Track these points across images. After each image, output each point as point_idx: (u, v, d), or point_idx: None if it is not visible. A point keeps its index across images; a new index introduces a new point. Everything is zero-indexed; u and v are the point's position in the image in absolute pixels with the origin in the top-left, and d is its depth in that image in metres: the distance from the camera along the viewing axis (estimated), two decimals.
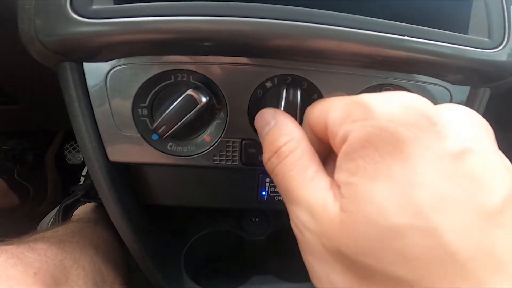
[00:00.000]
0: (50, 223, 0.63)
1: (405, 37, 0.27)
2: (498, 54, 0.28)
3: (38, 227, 0.64)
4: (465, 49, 0.27)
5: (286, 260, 0.50)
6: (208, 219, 0.51)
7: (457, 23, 0.29)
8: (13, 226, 0.40)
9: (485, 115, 0.32)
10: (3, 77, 0.37)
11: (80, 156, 0.74)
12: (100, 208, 0.56)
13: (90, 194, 0.59)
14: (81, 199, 0.58)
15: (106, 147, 0.30)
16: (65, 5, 0.24)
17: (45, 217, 0.63)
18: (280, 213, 0.56)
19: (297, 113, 0.28)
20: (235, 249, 0.50)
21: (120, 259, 0.45)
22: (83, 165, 0.75)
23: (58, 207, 0.60)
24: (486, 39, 0.29)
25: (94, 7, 0.24)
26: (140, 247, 0.35)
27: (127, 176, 0.34)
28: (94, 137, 0.29)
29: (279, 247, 0.51)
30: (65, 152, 0.76)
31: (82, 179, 0.66)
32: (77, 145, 0.74)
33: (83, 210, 0.56)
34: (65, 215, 0.56)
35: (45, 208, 0.70)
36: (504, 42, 0.29)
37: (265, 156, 0.22)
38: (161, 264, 0.40)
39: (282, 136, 0.21)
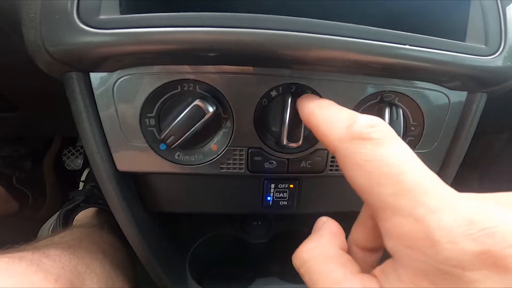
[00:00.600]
0: (50, 228, 0.63)
1: (406, 46, 0.28)
2: (495, 61, 0.29)
3: (39, 233, 0.64)
4: (463, 56, 0.28)
5: (289, 262, 0.51)
6: (212, 223, 0.51)
7: (455, 29, 0.30)
8: (13, 232, 0.40)
9: (482, 117, 0.34)
10: (4, 84, 0.37)
11: (79, 161, 0.73)
12: (102, 213, 0.56)
13: (90, 199, 0.59)
14: (81, 204, 0.57)
15: (114, 157, 0.30)
16: (72, 14, 0.24)
17: (45, 222, 0.62)
18: (282, 216, 0.57)
19: (302, 124, 0.29)
20: (239, 252, 0.51)
21: (127, 262, 0.46)
22: (81, 170, 0.75)
23: (58, 213, 0.59)
24: (483, 46, 0.29)
25: (101, 17, 0.24)
26: (149, 253, 0.35)
27: (134, 184, 0.34)
28: (103, 147, 0.29)
29: (281, 249, 0.52)
30: (63, 157, 0.75)
31: (81, 184, 0.66)
32: (75, 151, 0.74)
33: (85, 215, 0.56)
34: (66, 220, 0.56)
35: (44, 213, 0.69)
36: (501, 48, 0.30)
37: None
38: (168, 268, 0.40)
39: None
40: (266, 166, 0.31)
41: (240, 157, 0.31)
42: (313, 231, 0.21)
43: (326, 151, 0.32)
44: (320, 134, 0.19)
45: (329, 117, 0.19)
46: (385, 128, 0.16)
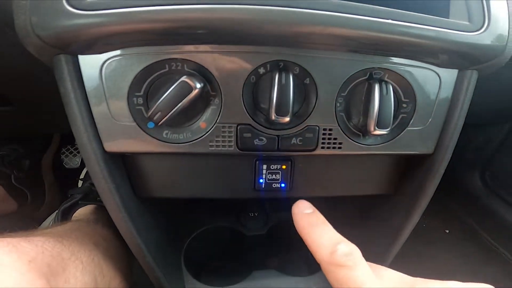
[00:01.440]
0: (50, 226, 0.61)
1: (389, 21, 0.27)
2: (479, 37, 0.29)
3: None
4: (447, 32, 0.28)
5: (287, 254, 0.49)
6: (207, 215, 0.50)
7: (437, 8, 0.30)
8: (12, 231, 0.39)
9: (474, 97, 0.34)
10: None
11: (77, 160, 0.73)
12: (100, 209, 0.55)
13: (89, 196, 0.58)
14: (79, 202, 0.56)
15: (102, 137, 0.29)
16: None
17: (44, 221, 0.61)
18: (279, 207, 0.56)
19: (290, 96, 0.28)
20: (235, 244, 0.49)
21: (121, 257, 0.44)
22: (80, 168, 0.74)
23: (57, 211, 0.58)
24: (467, 23, 0.29)
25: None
26: (139, 242, 0.34)
27: (123, 168, 0.33)
28: (90, 127, 0.29)
29: (279, 241, 0.50)
30: (62, 156, 0.75)
31: (80, 182, 0.65)
32: (74, 149, 0.74)
33: (83, 212, 0.55)
34: (64, 218, 0.55)
35: (43, 212, 0.69)
36: (485, 25, 0.29)
37: None
38: (161, 260, 0.38)
39: None
40: (256, 143, 0.30)
41: (229, 134, 0.30)
42: None
43: (317, 128, 0.31)
44: (311, 250, 0.27)
45: (317, 240, 0.26)
46: (356, 256, 0.24)
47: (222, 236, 0.49)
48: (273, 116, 0.28)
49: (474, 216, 0.77)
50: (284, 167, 0.34)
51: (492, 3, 0.30)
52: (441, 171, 0.35)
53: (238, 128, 0.30)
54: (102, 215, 0.52)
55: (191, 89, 0.28)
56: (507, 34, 0.30)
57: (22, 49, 0.28)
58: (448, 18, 0.30)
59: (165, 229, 0.43)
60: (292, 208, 0.30)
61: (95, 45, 0.27)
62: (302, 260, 0.49)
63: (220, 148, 0.31)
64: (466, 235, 0.76)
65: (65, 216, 0.55)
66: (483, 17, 0.30)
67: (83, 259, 0.35)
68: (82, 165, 0.72)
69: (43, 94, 0.41)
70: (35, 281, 0.27)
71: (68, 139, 0.75)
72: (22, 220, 0.63)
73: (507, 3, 0.31)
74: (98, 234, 0.43)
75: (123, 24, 0.25)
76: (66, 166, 0.75)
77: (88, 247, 0.38)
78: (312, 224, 0.28)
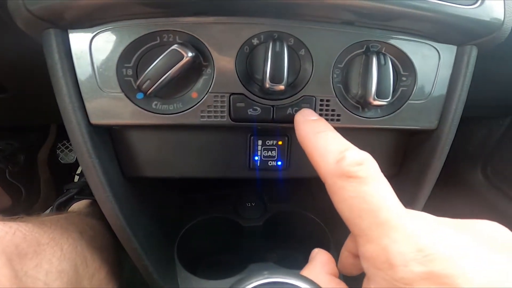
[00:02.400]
0: None
1: None
2: (476, 11, 0.28)
3: None
4: (443, 4, 0.27)
5: (285, 246, 0.46)
6: (202, 205, 0.47)
7: None
8: None
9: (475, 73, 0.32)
10: None
11: (73, 155, 0.71)
12: (95, 204, 0.52)
13: (85, 191, 0.55)
14: (75, 197, 0.54)
15: (87, 107, 0.27)
16: None
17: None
18: (277, 197, 0.53)
19: (285, 62, 0.26)
20: (232, 236, 0.46)
21: (109, 248, 0.41)
22: (76, 164, 0.72)
23: (51, 206, 0.56)
24: None
25: None
26: (125, 225, 0.31)
27: (109, 143, 0.31)
28: (75, 97, 0.27)
29: (277, 232, 0.47)
30: (58, 151, 0.73)
31: (76, 178, 0.63)
32: (70, 144, 0.72)
33: (77, 206, 0.53)
34: (59, 212, 0.53)
35: (38, 208, 0.66)
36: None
37: None
38: (151, 249, 0.36)
39: None
40: (249, 113, 0.28)
41: (222, 104, 0.28)
42: (308, 261, 0.23)
43: (314, 98, 0.29)
44: (313, 162, 0.21)
45: (322, 147, 0.21)
46: (370, 166, 0.18)
47: (218, 227, 0.46)
48: (267, 84, 0.26)
49: (476, 211, 0.73)
50: (280, 143, 0.32)
51: None
52: (446, 148, 0.32)
53: (231, 97, 0.28)
54: (96, 209, 0.50)
55: (181, 56, 0.26)
56: (503, 9, 0.29)
57: (14, 29, 0.27)
58: None
59: (156, 217, 0.40)
60: (295, 116, 0.25)
61: (85, 18, 0.26)
62: (301, 252, 0.46)
63: (212, 119, 0.28)
64: None
65: (60, 210, 0.53)
66: None
67: (64, 247, 0.32)
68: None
69: (37, 80, 0.39)
70: None
71: (64, 134, 0.73)
72: (16, 215, 0.60)
73: None
74: (85, 223, 0.40)
75: None
76: (62, 161, 0.73)
77: (73, 235, 0.35)
78: (316, 131, 0.22)
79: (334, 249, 0.46)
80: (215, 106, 0.28)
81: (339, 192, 0.18)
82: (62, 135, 0.74)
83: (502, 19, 0.28)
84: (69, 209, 0.52)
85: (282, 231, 0.47)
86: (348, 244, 0.22)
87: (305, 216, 0.47)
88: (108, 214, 0.31)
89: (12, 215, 0.61)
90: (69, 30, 0.27)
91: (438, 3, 0.27)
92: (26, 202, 0.65)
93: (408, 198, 0.36)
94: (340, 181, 0.18)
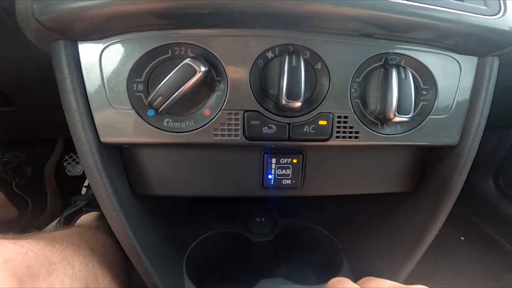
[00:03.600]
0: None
1: (405, 2, 0.24)
2: (498, 21, 0.26)
3: None
4: (465, 15, 0.26)
5: (295, 261, 0.44)
6: (211, 220, 0.45)
7: None
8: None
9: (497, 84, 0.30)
10: None
11: (80, 167, 0.69)
12: (103, 217, 0.51)
13: (93, 204, 0.54)
14: (83, 209, 0.52)
15: (97, 125, 0.26)
16: None
17: (45, 228, 0.57)
18: (287, 211, 0.51)
19: (302, 78, 0.25)
20: (241, 251, 0.44)
21: (120, 265, 0.39)
22: (83, 176, 0.71)
23: (58, 218, 0.54)
24: (484, 7, 0.27)
25: None
26: (135, 244, 0.29)
27: (120, 161, 0.29)
28: (86, 115, 0.25)
29: (288, 247, 0.45)
30: (65, 163, 0.72)
31: (84, 190, 0.61)
32: (77, 157, 0.70)
33: (86, 218, 0.51)
34: (66, 224, 0.51)
35: (44, 220, 0.65)
36: (502, 9, 0.27)
37: None
38: (160, 266, 0.34)
39: None
40: (264, 131, 0.27)
41: (236, 122, 0.26)
42: None
43: (332, 115, 0.27)
44: None
45: None
46: None
47: (227, 242, 0.44)
48: (284, 101, 0.25)
49: (489, 222, 0.71)
50: (295, 161, 0.30)
51: None
52: (468, 164, 0.30)
53: (245, 115, 0.26)
54: (105, 222, 0.48)
55: (194, 71, 0.24)
56: None
57: (23, 41, 0.26)
58: (463, 1, 0.27)
59: (165, 233, 0.38)
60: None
61: (95, 29, 0.24)
62: (311, 268, 0.44)
63: (225, 138, 0.27)
64: (482, 241, 0.69)
65: (68, 222, 0.51)
66: (498, 1, 0.27)
67: (75, 265, 0.31)
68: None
69: (45, 94, 0.38)
70: (4, 280, 0.23)
71: (71, 147, 0.73)
72: (22, 227, 0.59)
73: None
74: (96, 239, 0.39)
75: (125, 4, 0.22)
76: (68, 173, 0.72)
77: (84, 252, 0.34)
78: None
79: (347, 264, 0.44)
80: (228, 124, 0.26)
81: None
82: (69, 147, 0.73)
83: None
84: (78, 221, 0.51)
85: (292, 246, 0.45)
86: None
87: (316, 231, 0.45)
88: (118, 233, 0.29)
89: (18, 226, 0.59)
90: (79, 42, 0.25)
91: (460, 13, 0.26)
92: (32, 213, 0.64)
93: (427, 216, 0.34)
94: None
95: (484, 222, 0.72)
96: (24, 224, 0.61)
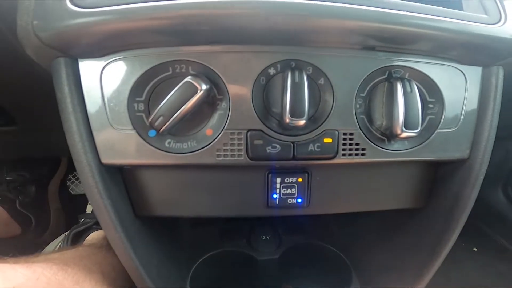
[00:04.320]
0: (56, 249, 0.56)
1: (407, 13, 0.24)
2: (499, 30, 0.26)
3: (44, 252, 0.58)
4: (467, 24, 0.25)
5: (303, 279, 0.42)
6: (215, 238, 0.44)
7: (450, 2, 0.27)
8: (15, 255, 0.35)
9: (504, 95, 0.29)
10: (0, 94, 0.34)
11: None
12: None
13: None
14: (94, 226, 0.52)
15: (98, 147, 0.25)
16: None
17: (49, 244, 0.56)
18: (293, 229, 0.50)
19: (305, 95, 0.24)
20: (246, 270, 0.42)
21: None
22: None
23: (64, 234, 0.54)
24: (485, 15, 0.26)
25: None
26: (138, 266, 0.28)
27: (121, 182, 0.29)
28: (86, 135, 0.25)
29: (294, 265, 0.43)
30: (68, 182, 0.72)
31: (89, 207, 0.61)
32: None
33: (96, 236, 0.50)
34: (74, 242, 0.51)
35: (47, 237, 0.64)
36: (502, 18, 0.27)
37: None
38: (163, 286, 0.32)
39: None
40: (268, 151, 0.26)
41: (239, 141, 0.26)
42: None
43: (337, 132, 0.26)
44: None
45: None
46: None
47: (232, 261, 0.43)
48: (287, 119, 0.24)
49: (501, 232, 0.69)
50: (300, 180, 0.29)
51: None
52: (481, 177, 0.29)
53: (248, 134, 0.26)
54: None
55: (195, 90, 0.24)
56: None
57: (25, 58, 0.26)
58: (463, 10, 0.27)
59: (168, 252, 0.37)
60: None
61: (96, 46, 0.24)
62: (319, 286, 0.42)
63: (228, 158, 0.26)
64: (495, 252, 0.67)
65: (76, 240, 0.51)
66: (498, 10, 0.27)
67: None
68: None
69: (46, 112, 0.38)
70: None
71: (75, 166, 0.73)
72: (25, 244, 0.58)
73: None
74: (108, 263, 0.38)
75: (126, 21, 0.22)
76: (72, 192, 0.72)
77: (95, 277, 0.33)
78: None
79: (357, 282, 0.42)
80: (231, 144, 0.26)
81: None
82: (73, 167, 0.72)
83: None
84: (88, 238, 0.50)
85: (299, 264, 0.44)
86: None
87: (324, 248, 0.43)
88: (119, 254, 0.28)
89: (21, 243, 0.58)
90: (79, 60, 0.25)
91: (461, 22, 0.25)
92: (35, 231, 0.64)
93: (439, 232, 0.32)
94: None
95: (496, 233, 0.70)
96: (27, 241, 0.60)
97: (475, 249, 0.69)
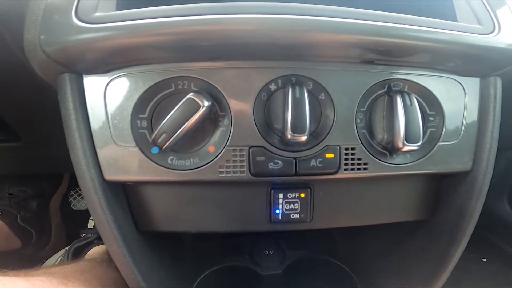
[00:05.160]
0: (56, 263, 0.56)
1: (404, 26, 0.25)
2: (494, 39, 0.26)
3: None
4: (462, 35, 0.25)
5: None
6: (218, 253, 0.43)
7: (445, 12, 0.28)
8: (15, 269, 0.35)
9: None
10: (4, 109, 0.35)
11: (85, 202, 0.69)
12: None
13: None
14: (95, 241, 0.51)
15: (101, 163, 0.26)
16: (70, 13, 0.23)
17: (50, 258, 0.56)
18: (296, 243, 0.49)
19: (306, 111, 0.25)
20: (250, 285, 0.42)
21: None
22: (88, 210, 0.70)
23: (65, 249, 0.53)
24: (479, 26, 0.27)
25: (97, 14, 0.23)
26: (140, 280, 0.28)
27: (124, 198, 0.29)
28: (90, 152, 0.25)
29: (298, 280, 0.42)
30: (70, 198, 0.72)
31: (91, 222, 0.61)
32: None
33: (97, 250, 0.50)
34: (75, 256, 0.50)
35: (48, 252, 0.63)
36: (496, 28, 0.27)
37: None
38: None
39: None
40: (270, 167, 0.26)
41: (241, 158, 0.26)
42: None
43: (339, 147, 0.27)
44: None
45: None
46: None
47: (235, 276, 0.42)
48: (289, 135, 0.24)
49: (509, 242, 0.67)
50: (302, 195, 0.29)
51: (492, 3, 0.28)
52: (485, 189, 0.29)
53: (250, 151, 0.26)
54: None
55: (198, 107, 0.24)
56: None
57: (31, 74, 0.26)
58: (457, 21, 0.27)
59: (170, 267, 0.37)
60: None
61: (101, 62, 0.25)
62: None
63: (231, 175, 0.26)
64: (505, 261, 0.65)
65: (77, 254, 0.50)
66: (491, 19, 0.27)
67: None
68: None
69: (50, 129, 0.39)
70: None
71: (77, 182, 0.73)
72: (25, 258, 0.58)
73: (508, 4, 0.29)
74: (108, 277, 0.38)
75: (130, 37, 0.23)
76: (74, 208, 0.72)
77: None
78: None
79: None
80: (233, 160, 0.26)
81: None
82: (75, 183, 0.73)
83: None
84: (89, 253, 0.50)
85: (303, 279, 0.43)
86: None
87: (328, 262, 0.43)
88: (121, 269, 0.28)
89: (22, 257, 0.58)
90: (84, 75, 0.25)
91: (456, 33, 0.25)
92: (36, 245, 0.64)
93: (446, 243, 0.32)
94: None
95: (504, 242, 0.69)
96: (27, 255, 0.60)
97: (484, 260, 0.67)
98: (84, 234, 0.54)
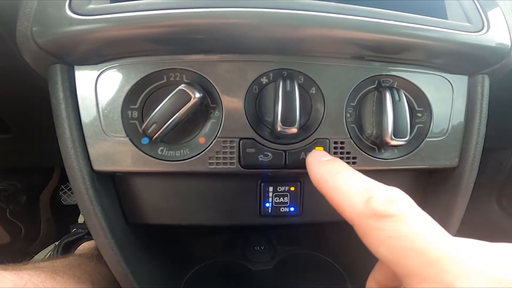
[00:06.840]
0: (46, 258, 0.55)
1: (395, 22, 0.25)
2: (483, 37, 0.27)
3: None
4: (451, 32, 0.26)
5: None
6: (208, 249, 0.43)
7: (435, 10, 0.28)
8: (3, 263, 0.34)
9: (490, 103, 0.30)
10: None
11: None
12: None
13: None
14: (85, 237, 0.51)
15: (90, 153, 0.26)
16: (64, 5, 0.23)
17: (39, 252, 0.55)
18: (287, 239, 0.49)
19: (297, 103, 0.25)
20: (240, 280, 0.42)
21: None
22: None
23: (54, 244, 0.53)
24: (468, 24, 0.27)
25: (90, 6, 0.23)
26: (128, 273, 0.28)
27: (113, 189, 0.29)
28: (78, 142, 0.25)
29: (288, 276, 0.43)
30: (60, 193, 0.71)
31: (81, 217, 0.60)
32: None
33: (87, 246, 0.50)
34: (65, 251, 0.50)
35: (37, 247, 0.63)
36: (485, 26, 0.27)
37: None
38: None
39: None
40: (260, 159, 0.26)
41: (231, 150, 0.26)
42: None
43: (328, 140, 0.27)
44: (335, 205, 0.19)
45: (344, 189, 0.18)
46: (404, 201, 0.16)
47: (225, 272, 0.42)
48: (279, 127, 0.25)
49: (497, 242, 0.69)
50: (292, 189, 0.30)
51: (482, 3, 0.29)
52: (470, 185, 0.30)
53: (241, 142, 0.26)
54: None
55: (189, 98, 0.24)
56: (509, 35, 0.28)
57: (22, 65, 0.26)
58: (447, 19, 0.28)
59: (160, 262, 0.37)
60: (307, 159, 0.22)
61: (93, 54, 0.25)
62: None
63: (221, 166, 0.26)
64: None
65: (67, 249, 0.50)
66: (480, 18, 0.28)
67: None
68: None
69: (41, 121, 0.38)
70: None
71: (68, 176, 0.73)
72: (14, 253, 0.57)
73: (499, 5, 0.30)
74: (98, 272, 0.38)
75: (123, 29, 0.23)
76: (64, 202, 0.71)
77: (84, 286, 0.32)
78: (333, 172, 0.19)
79: None
80: (224, 152, 0.26)
81: (374, 234, 0.16)
82: (66, 177, 0.72)
83: (510, 45, 0.27)
84: (79, 248, 0.50)
85: (293, 274, 0.43)
86: (375, 274, 0.20)
87: (318, 258, 0.43)
88: (109, 261, 0.28)
89: (10, 251, 0.57)
90: (75, 67, 0.25)
91: (446, 31, 0.26)
92: (25, 240, 0.63)
93: None
94: (373, 221, 0.16)
95: (492, 242, 0.70)
96: (16, 249, 0.59)
97: None
98: (75, 229, 0.53)
